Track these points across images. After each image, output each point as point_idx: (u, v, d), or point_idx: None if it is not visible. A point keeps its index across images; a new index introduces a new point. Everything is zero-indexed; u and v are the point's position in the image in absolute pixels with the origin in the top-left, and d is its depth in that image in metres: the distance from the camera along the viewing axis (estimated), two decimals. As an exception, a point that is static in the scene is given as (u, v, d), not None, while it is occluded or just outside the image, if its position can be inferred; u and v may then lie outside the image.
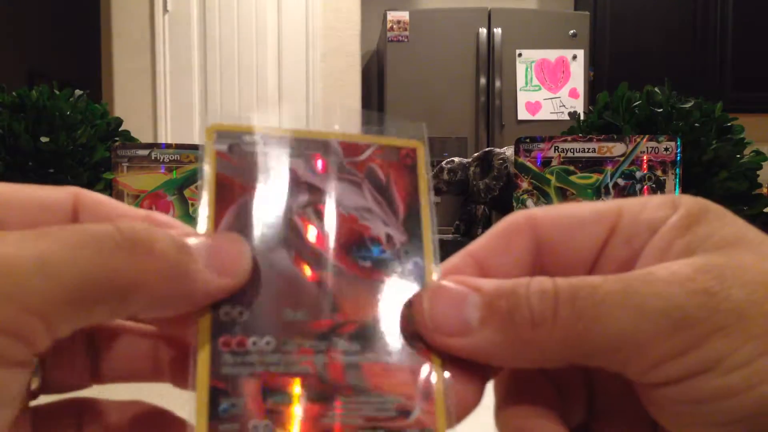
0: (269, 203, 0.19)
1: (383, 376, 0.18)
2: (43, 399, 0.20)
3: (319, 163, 0.20)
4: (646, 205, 0.19)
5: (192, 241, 0.17)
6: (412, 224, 0.20)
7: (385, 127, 0.21)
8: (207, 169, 0.19)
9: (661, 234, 0.18)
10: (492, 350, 0.17)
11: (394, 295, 0.19)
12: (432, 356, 0.18)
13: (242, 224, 0.19)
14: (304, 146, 0.20)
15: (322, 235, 0.19)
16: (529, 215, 0.20)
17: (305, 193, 0.20)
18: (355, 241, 0.19)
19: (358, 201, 0.20)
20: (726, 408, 0.16)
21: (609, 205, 0.19)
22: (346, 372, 0.18)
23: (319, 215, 0.20)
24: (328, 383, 0.18)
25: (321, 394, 0.17)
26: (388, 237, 0.20)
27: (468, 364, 0.18)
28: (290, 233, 0.19)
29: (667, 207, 0.18)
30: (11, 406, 0.15)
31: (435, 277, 0.19)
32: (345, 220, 0.20)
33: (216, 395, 0.17)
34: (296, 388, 0.17)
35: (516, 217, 0.20)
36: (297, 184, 0.20)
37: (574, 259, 0.19)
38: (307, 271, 0.19)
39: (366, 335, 0.18)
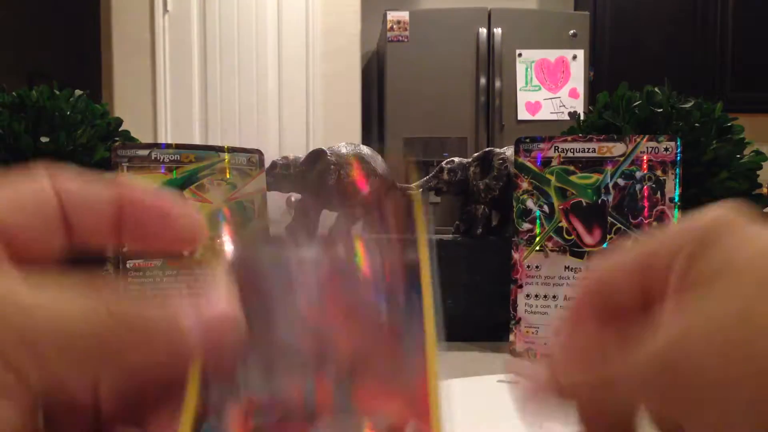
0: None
1: (374, 398, 0.18)
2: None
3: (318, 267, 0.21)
4: (668, 244, 0.19)
5: (184, 312, 0.17)
6: (413, 294, 0.20)
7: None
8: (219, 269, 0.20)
9: (674, 273, 0.18)
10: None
11: (389, 327, 0.19)
12: (427, 376, 0.18)
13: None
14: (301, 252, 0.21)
15: (319, 307, 0.20)
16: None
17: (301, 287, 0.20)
18: (353, 311, 0.20)
19: (357, 289, 0.21)
20: None
21: (642, 249, 0.20)
22: (336, 394, 0.18)
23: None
24: (316, 405, 0.18)
25: (307, 414, 0.18)
26: (389, 299, 0.20)
27: None
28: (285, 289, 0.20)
29: (681, 242, 0.19)
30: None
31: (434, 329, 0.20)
32: (345, 303, 0.20)
33: (202, 417, 0.17)
34: (282, 409, 0.18)
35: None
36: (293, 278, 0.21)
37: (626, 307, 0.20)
38: (303, 311, 0.20)
39: (358, 362, 0.19)
